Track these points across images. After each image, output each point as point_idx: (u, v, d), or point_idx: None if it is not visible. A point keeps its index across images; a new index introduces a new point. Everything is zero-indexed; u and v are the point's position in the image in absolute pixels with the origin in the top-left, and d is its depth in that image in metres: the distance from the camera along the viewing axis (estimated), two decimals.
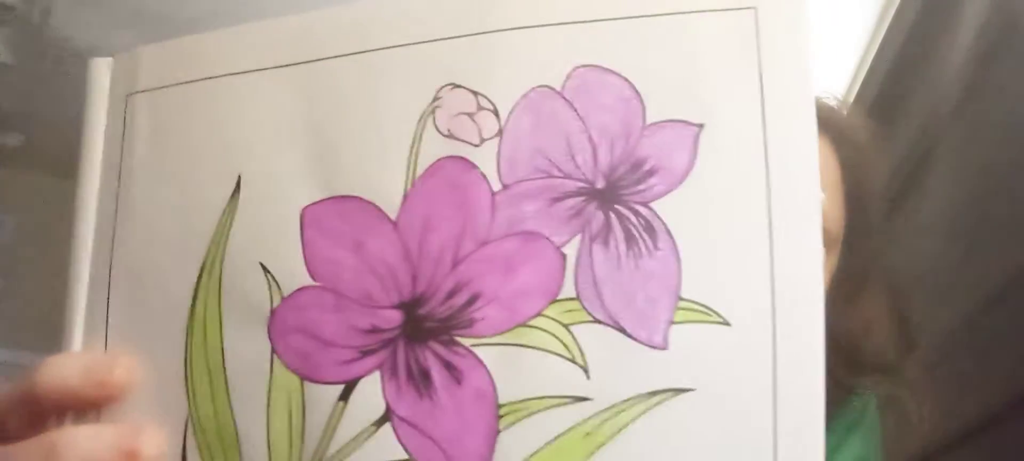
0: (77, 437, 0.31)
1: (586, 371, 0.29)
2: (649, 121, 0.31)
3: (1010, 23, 0.81)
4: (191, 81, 0.35)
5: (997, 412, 0.75)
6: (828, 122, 0.59)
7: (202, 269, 0.33)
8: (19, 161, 2.45)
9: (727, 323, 0.29)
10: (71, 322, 0.34)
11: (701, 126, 0.30)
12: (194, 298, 0.32)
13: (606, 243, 0.30)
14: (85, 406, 0.32)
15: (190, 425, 0.31)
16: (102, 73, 0.36)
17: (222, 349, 0.32)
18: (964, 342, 0.81)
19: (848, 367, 0.56)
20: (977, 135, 0.87)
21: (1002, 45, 0.83)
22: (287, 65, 0.33)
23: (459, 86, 0.32)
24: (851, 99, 1.28)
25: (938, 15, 1.02)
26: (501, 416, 0.29)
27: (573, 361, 0.29)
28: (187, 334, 0.32)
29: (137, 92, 0.35)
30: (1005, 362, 0.75)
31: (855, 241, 0.58)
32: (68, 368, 0.32)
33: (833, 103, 0.67)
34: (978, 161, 0.86)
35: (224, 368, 0.31)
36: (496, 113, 0.31)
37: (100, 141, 0.35)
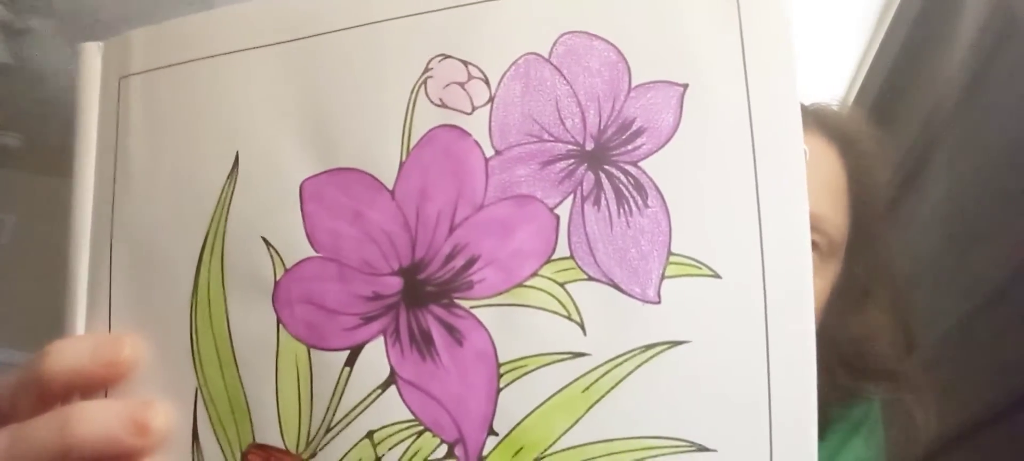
0: (89, 411, 0.31)
1: (582, 327, 0.30)
2: (635, 83, 0.31)
3: (1010, 23, 0.81)
4: (185, 62, 0.35)
5: (996, 412, 0.75)
6: (835, 129, 0.60)
7: (203, 246, 0.33)
8: (19, 161, 2.43)
9: (718, 275, 0.30)
10: (73, 307, 0.35)
11: (685, 86, 0.31)
12: (197, 275, 0.33)
13: (597, 203, 0.31)
14: (94, 386, 0.33)
15: (199, 398, 0.32)
16: (93, 57, 0.37)
17: (227, 322, 0.32)
18: (962, 341, 0.81)
19: (852, 373, 0.56)
20: (976, 135, 0.86)
21: (1002, 45, 0.83)
22: (280, 43, 0.34)
23: (449, 56, 0.32)
24: (851, 99, 1.27)
25: (938, 15, 1.01)
26: (502, 374, 0.30)
27: (569, 318, 0.30)
28: (192, 310, 0.33)
29: (130, 75, 0.36)
30: (1004, 362, 0.75)
31: (859, 248, 0.58)
32: (76, 350, 0.33)
33: (839, 109, 0.67)
34: (977, 161, 0.86)
35: (231, 341, 0.32)
36: (486, 81, 0.32)
37: (94, 125, 0.36)
